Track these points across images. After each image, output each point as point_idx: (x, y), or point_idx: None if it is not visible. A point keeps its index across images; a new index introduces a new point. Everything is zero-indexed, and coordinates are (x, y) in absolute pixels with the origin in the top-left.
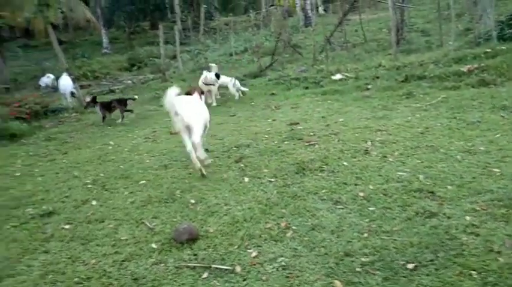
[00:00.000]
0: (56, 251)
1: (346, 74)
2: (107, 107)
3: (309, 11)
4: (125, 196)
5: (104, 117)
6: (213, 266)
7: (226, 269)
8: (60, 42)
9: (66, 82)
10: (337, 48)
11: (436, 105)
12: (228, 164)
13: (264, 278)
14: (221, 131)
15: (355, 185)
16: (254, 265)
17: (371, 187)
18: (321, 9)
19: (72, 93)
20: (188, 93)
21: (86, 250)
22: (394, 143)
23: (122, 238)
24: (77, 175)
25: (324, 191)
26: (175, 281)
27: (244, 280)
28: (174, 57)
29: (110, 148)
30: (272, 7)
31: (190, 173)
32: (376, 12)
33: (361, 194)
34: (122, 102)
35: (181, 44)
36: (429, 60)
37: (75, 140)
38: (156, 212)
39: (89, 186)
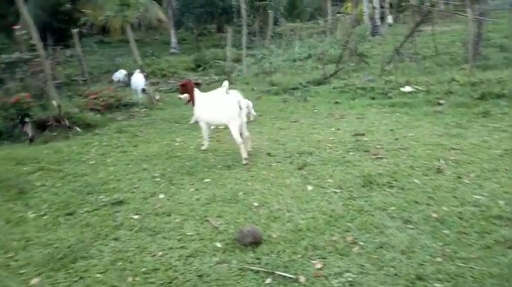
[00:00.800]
0: (125, 239)
1: (417, 86)
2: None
3: (378, 20)
4: (190, 192)
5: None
6: (277, 272)
7: (289, 278)
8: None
9: (138, 79)
10: (406, 59)
11: None
12: (290, 170)
13: None
14: (283, 137)
15: (427, 205)
16: (318, 277)
17: (445, 208)
18: (390, 18)
19: (143, 90)
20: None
21: (153, 242)
22: (470, 163)
23: (188, 233)
24: (146, 167)
25: (392, 208)
26: (238, 283)
27: None
28: (238, 60)
29: (177, 144)
30: (339, 14)
31: (252, 176)
32: (449, 24)
33: (434, 215)
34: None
35: (246, 47)
36: (508, 77)
37: (145, 134)
38: (220, 211)
39: (157, 179)
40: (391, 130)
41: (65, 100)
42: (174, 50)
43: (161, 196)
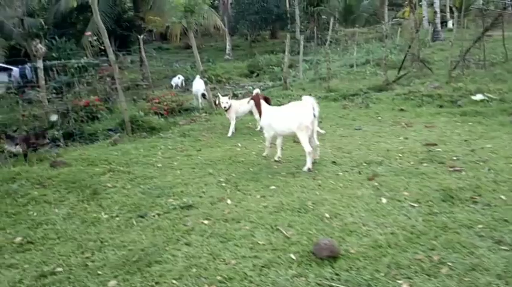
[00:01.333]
0: (197, 245)
1: (489, 95)
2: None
3: (438, 25)
4: (257, 199)
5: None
6: None
7: None
8: (189, 47)
9: (199, 84)
10: (473, 65)
11: None
12: (359, 181)
13: None
14: (347, 145)
15: None
16: None
17: None
18: (450, 23)
19: (204, 95)
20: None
21: (225, 249)
22: None
23: (259, 242)
24: (211, 172)
25: (480, 226)
26: None
27: None
28: (292, 66)
29: (238, 149)
30: (396, 19)
31: (319, 185)
32: None
33: None
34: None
35: (297, 54)
36: None
37: (207, 139)
38: (290, 221)
39: (223, 184)
40: (465, 141)
41: (130, 104)
42: (228, 57)
43: (229, 201)
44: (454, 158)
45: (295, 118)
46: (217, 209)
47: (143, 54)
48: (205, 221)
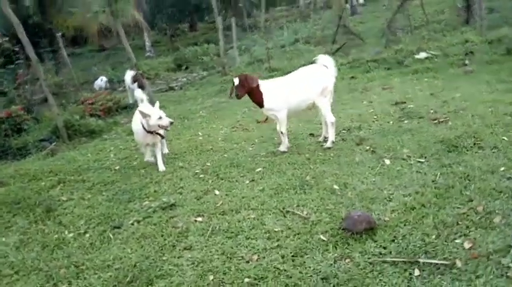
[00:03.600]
0: (200, 247)
1: (431, 51)
2: None
3: (354, 0)
4: (247, 184)
5: None
6: (422, 260)
7: (443, 265)
8: (104, 49)
9: (129, 77)
10: (399, 32)
11: None
12: (349, 147)
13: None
14: (314, 117)
15: None
16: (476, 257)
17: None
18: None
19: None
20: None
21: (238, 245)
22: None
23: (275, 230)
24: (181, 165)
25: (502, 169)
26: (380, 280)
27: (478, 277)
28: (218, 55)
29: (201, 138)
30: None
31: (308, 159)
32: None
33: None
34: None
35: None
36: None
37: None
38: (298, 200)
39: (201, 176)
40: (432, 95)
41: (60, 109)
42: (149, 54)
43: (216, 192)
44: (431, 111)
45: (316, 83)
46: (206, 203)
47: (64, 53)
48: (199, 219)
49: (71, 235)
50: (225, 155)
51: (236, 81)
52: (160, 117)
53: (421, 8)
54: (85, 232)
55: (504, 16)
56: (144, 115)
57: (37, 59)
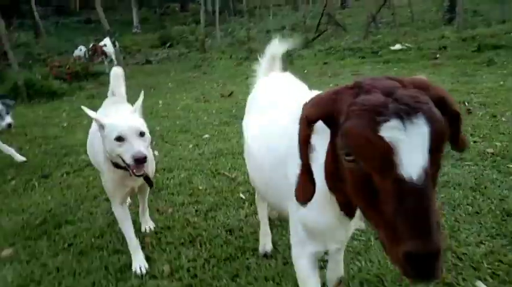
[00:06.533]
0: None
1: (407, 44)
2: None
3: None
4: (190, 148)
5: None
6: None
7: None
8: (90, 21)
9: (108, 45)
10: (383, 26)
11: None
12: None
13: None
14: None
15: (475, 142)
16: None
17: (497, 143)
18: None
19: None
20: None
21: (158, 199)
22: (497, 104)
23: (200, 188)
24: None
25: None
26: (283, 235)
27: None
28: (206, 36)
29: (160, 106)
30: None
31: None
32: None
33: (490, 150)
34: None
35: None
36: (501, 31)
37: None
38: (233, 164)
39: None
40: None
41: (24, 70)
42: (136, 30)
43: (156, 152)
44: None
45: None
46: None
47: (37, 18)
48: None
49: None
50: (177, 122)
51: None
52: (119, 139)
53: (409, 7)
54: (11, 179)
55: (485, 18)
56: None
57: None
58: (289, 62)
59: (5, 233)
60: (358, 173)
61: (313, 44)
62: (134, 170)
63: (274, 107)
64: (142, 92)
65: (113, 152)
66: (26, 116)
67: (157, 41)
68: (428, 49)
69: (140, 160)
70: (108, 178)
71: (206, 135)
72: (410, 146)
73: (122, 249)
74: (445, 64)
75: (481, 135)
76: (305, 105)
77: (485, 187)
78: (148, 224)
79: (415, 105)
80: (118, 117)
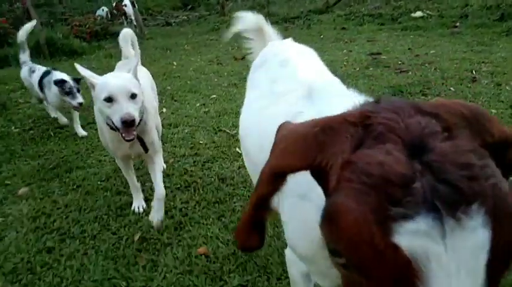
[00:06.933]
0: None
1: (428, 11)
2: None
3: None
4: (197, 107)
5: None
6: None
7: None
8: None
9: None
10: None
11: None
12: None
13: None
14: None
15: None
16: None
17: (493, 110)
18: None
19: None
20: None
21: (163, 151)
22: (506, 74)
23: (201, 142)
24: None
25: None
26: None
27: None
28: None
29: (174, 67)
30: None
31: None
32: None
33: None
34: None
35: None
36: None
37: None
38: (235, 122)
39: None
40: (409, 49)
41: (46, 28)
42: None
43: (164, 110)
44: (400, 62)
45: None
46: None
47: None
48: None
49: (17, 130)
50: (188, 82)
51: None
52: (109, 99)
53: None
54: (30, 129)
55: None
56: (91, 84)
57: None
58: (306, 26)
59: (22, 175)
60: (353, 285)
61: (333, 9)
62: (123, 134)
63: (270, 92)
64: (139, 53)
65: (102, 113)
66: None
67: (179, 3)
68: (449, 17)
69: (128, 123)
70: (106, 136)
71: (214, 96)
72: (450, 268)
73: (124, 191)
74: (464, 33)
75: (479, 103)
76: (274, 147)
77: None
78: (159, 216)
79: (468, 185)
80: (109, 77)
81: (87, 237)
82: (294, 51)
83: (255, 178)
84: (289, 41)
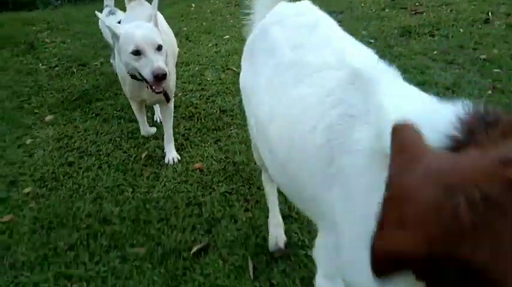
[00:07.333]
0: None
1: None
2: None
3: None
4: (209, 47)
5: None
6: None
7: None
8: None
9: None
10: None
11: None
12: None
13: None
14: None
15: (474, 49)
16: None
17: (495, 51)
18: None
19: None
20: None
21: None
22: None
23: (208, 79)
24: None
25: (435, 52)
26: None
27: None
28: None
29: (192, 9)
30: None
31: None
32: None
33: (483, 56)
34: None
35: None
36: None
37: None
38: None
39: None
40: None
41: None
42: None
43: (177, 49)
44: (417, 3)
45: None
46: None
47: None
48: None
49: (44, 67)
50: (204, 24)
51: None
52: (136, 52)
53: None
54: (55, 66)
55: None
56: (114, 34)
57: None
58: None
59: (49, 105)
60: None
61: None
62: (153, 87)
63: (295, 60)
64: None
65: (129, 65)
66: (70, 15)
67: None
68: None
69: (160, 77)
70: (127, 84)
71: (227, 36)
72: None
73: (136, 119)
74: None
75: (484, 43)
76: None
77: (460, 87)
78: (172, 155)
79: None
80: (134, 28)
81: (102, 154)
82: (321, 16)
83: (270, 167)
84: (307, 2)
